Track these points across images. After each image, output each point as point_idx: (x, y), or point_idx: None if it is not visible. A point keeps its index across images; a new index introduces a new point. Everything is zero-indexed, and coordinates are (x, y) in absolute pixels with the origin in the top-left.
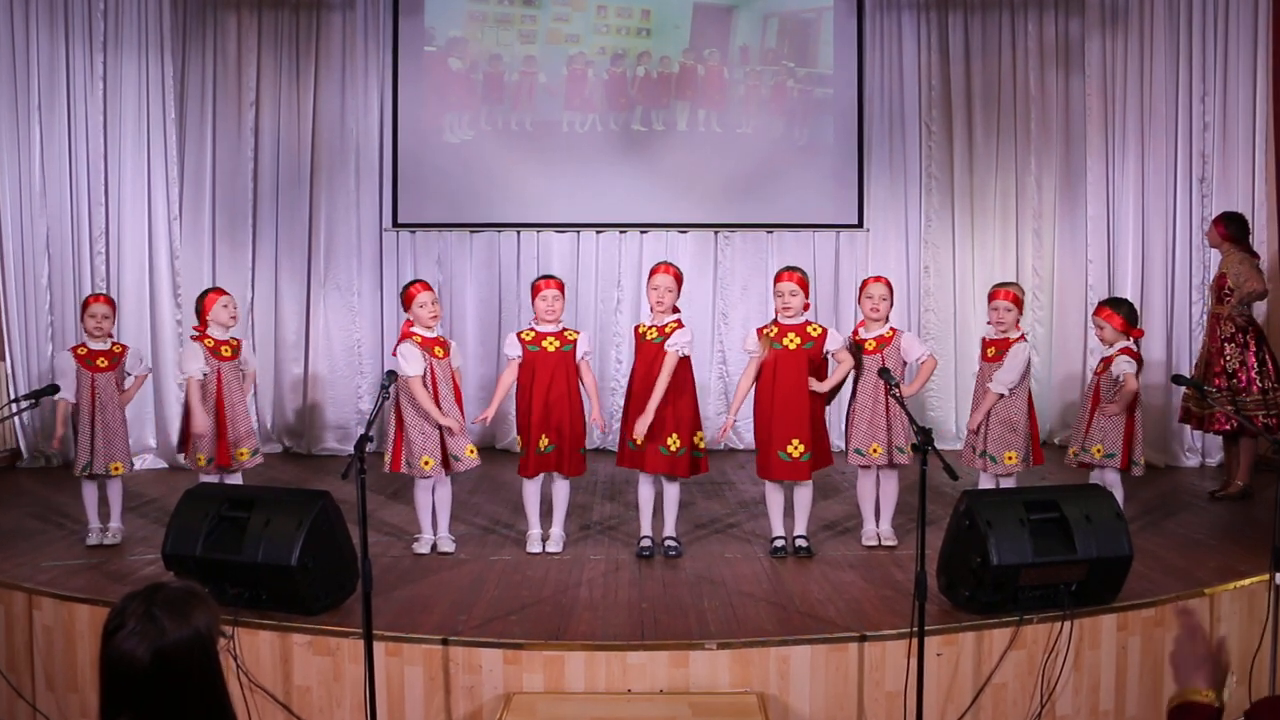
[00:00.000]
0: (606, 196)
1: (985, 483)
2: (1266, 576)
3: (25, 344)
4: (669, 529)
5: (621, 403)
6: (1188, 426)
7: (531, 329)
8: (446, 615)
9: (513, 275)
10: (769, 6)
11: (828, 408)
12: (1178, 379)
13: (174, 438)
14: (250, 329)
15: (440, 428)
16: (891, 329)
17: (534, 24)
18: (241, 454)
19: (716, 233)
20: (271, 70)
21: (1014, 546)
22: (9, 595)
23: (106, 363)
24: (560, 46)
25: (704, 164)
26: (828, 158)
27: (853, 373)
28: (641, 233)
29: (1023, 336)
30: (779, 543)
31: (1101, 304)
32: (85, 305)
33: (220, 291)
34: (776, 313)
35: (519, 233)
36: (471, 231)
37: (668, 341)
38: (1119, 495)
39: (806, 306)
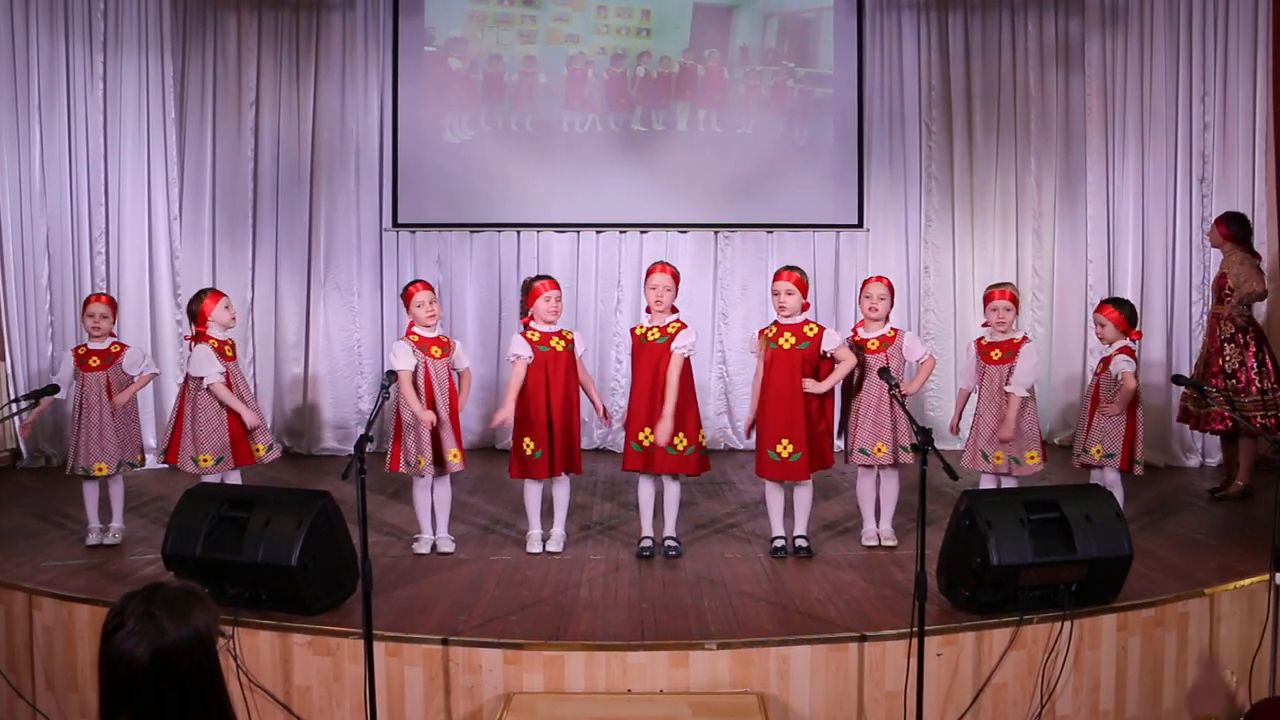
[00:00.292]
0: (606, 196)
1: (986, 483)
2: (1266, 576)
3: (25, 344)
4: (669, 529)
5: (622, 403)
6: (1187, 426)
7: (535, 330)
8: (446, 615)
9: (513, 275)
10: (769, 6)
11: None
12: (1177, 379)
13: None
14: (250, 329)
15: (436, 427)
16: (893, 329)
17: (534, 24)
18: (258, 449)
19: (716, 233)
20: (271, 70)
21: (1014, 546)
22: (9, 595)
23: (99, 362)
24: (560, 46)
25: (704, 164)
26: (828, 158)
27: (856, 372)
28: (641, 233)
29: (1025, 337)
30: (779, 543)
31: (1103, 302)
32: (85, 305)
33: (219, 293)
34: (775, 312)
35: (519, 233)
36: (471, 231)
37: (674, 343)
38: (1119, 495)
39: (805, 306)
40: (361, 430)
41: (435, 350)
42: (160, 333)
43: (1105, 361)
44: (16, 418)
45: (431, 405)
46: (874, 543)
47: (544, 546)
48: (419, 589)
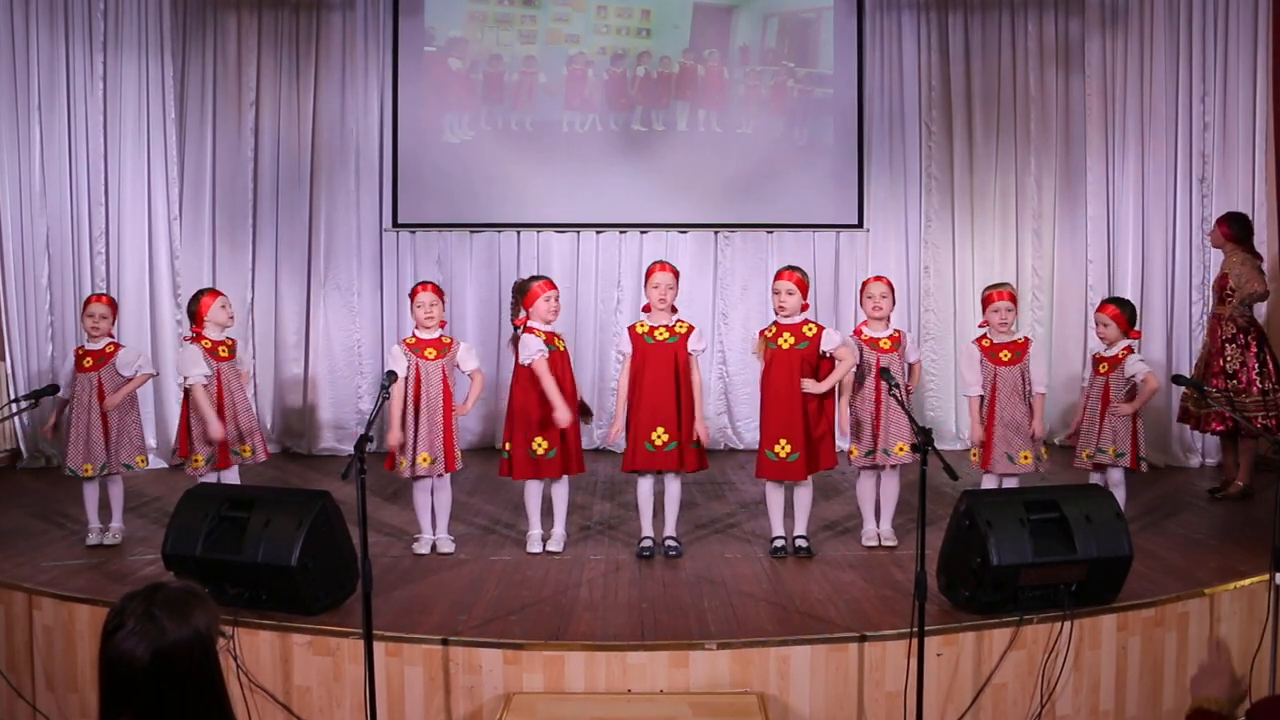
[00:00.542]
0: (606, 196)
1: (987, 483)
2: (1266, 576)
3: (25, 344)
4: (669, 529)
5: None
6: (1188, 426)
7: (538, 330)
8: (446, 615)
9: (512, 275)
10: (769, 6)
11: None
12: (1177, 379)
13: (174, 438)
14: (250, 329)
15: (418, 427)
16: (896, 330)
17: (534, 24)
18: (244, 450)
19: (716, 233)
20: (271, 70)
21: (1014, 546)
22: (9, 595)
23: (92, 363)
24: (560, 46)
25: (704, 164)
26: (828, 158)
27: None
28: (641, 233)
29: (1026, 338)
30: (779, 543)
31: (1105, 301)
32: (85, 305)
33: (216, 293)
34: (775, 312)
35: (519, 233)
36: (471, 231)
37: (691, 344)
38: (1123, 494)
39: (805, 306)
40: (361, 430)
41: (430, 352)
42: (160, 333)
43: (1109, 361)
44: (35, 421)
45: (418, 407)
46: (874, 543)
47: (544, 546)
48: (419, 589)
